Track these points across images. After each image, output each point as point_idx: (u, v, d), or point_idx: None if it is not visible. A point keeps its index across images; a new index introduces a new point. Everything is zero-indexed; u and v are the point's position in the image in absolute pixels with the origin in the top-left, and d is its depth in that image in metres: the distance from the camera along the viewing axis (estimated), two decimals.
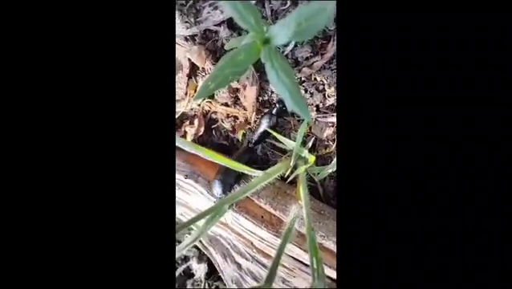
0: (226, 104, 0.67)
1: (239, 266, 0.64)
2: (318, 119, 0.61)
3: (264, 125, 0.64)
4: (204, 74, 0.65)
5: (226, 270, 0.67)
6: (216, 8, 0.61)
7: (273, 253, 0.61)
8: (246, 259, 0.62)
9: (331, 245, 0.57)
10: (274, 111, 0.64)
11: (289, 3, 0.59)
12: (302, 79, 0.60)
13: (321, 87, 0.60)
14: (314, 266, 0.48)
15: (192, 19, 0.62)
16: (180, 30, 0.62)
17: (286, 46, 0.59)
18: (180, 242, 0.75)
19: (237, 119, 0.68)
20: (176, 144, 0.56)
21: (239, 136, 0.70)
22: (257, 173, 0.58)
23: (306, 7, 0.36)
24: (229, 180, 0.61)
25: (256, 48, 0.40)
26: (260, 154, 0.68)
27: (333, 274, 0.55)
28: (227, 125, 0.69)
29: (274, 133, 0.62)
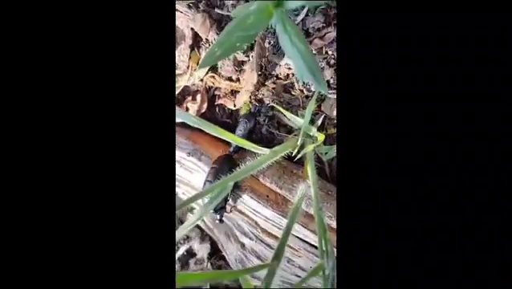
0: (230, 78, 0.64)
1: (243, 245, 0.63)
2: (329, 95, 0.58)
3: (240, 131, 0.62)
4: (208, 45, 0.61)
5: (230, 249, 0.65)
6: None
7: (278, 232, 0.59)
8: (250, 239, 0.61)
9: None
10: (253, 110, 0.61)
11: None
12: (313, 52, 0.57)
13: (332, 62, 0.57)
14: (323, 247, 0.46)
15: None
16: None
17: (297, 15, 0.55)
18: (182, 222, 0.74)
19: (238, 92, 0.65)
20: (180, 118, 0.54)
21: (242, 110, 0.67)
22: (263, 151, 0.56)
23: None
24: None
25: (267, 11, 0.37)
26: (265, 133, 0.66)
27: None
28: (230, 104, 0.66)
29: (282, 110, 0.59)
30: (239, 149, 0.62)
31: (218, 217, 0.63)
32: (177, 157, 0.66)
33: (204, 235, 0.84)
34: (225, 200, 0.61)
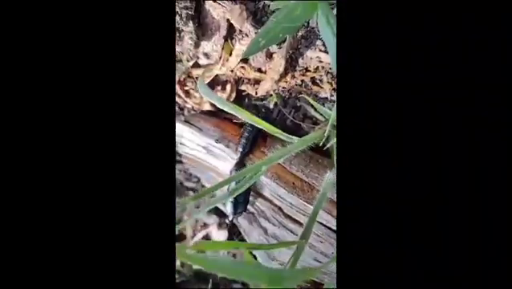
0: (260, 70, 0.67)
1: (265, 230, 0.65)
2: None
3: (246, 135, 0.64)
4: (241, 36, 0.64)
5: (252, 234, 0.68)
6: None
7: (301, 219, 0.62)
8: (273, 224, 0.63)
9: None
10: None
11: None
12: None
13: None
14: None
15: None
16: None
17: (332, 9, 0.58)
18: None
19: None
20: (217, 104, 0.56)
21: (270, 104, 0.69)
22: (292, 140, 0.58)
23: None
24: (240, 200, 0.64)
25: (313, 4, 0.39)
26: (290, 124, 0.68)
27: None
28: (252, 91, 0.68)
29: (311, 100, 0.61)
30: (248, 152, 0.65)
31: (230, 218, 0.66)
32: (205, 144, 0.69)
33: (222, 222, 0.86)
34: (246, 203, 0.65)
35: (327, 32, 0.40)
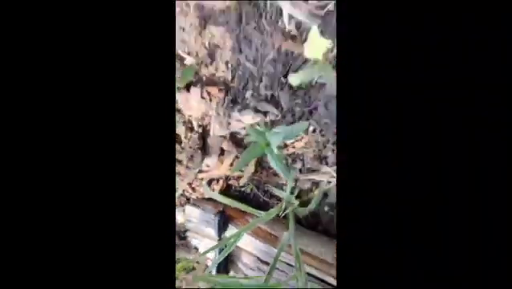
0: (241, 170, 0.85)
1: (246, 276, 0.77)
2: (301, 178, 0.79)
3: (216, 225, 0.82)
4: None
5: None
6: None
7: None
8: (252, 269, 0.77)
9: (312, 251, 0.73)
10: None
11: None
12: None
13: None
14: (297, 266, 0.62)
15: None
16: None
17: None
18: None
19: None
20: (214, 197, 0.81)
21: (248, 190, 0.89)
22: (260, 214, 0.73)
23: (286, 128, 0.63)
24: (223, 263, 0.80)
25: (261, 147, 0.63)
26: (261, 201, 0.85)
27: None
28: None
29: (273, 188, 0.82)
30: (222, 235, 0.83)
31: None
32: (207, 218, 0.87)
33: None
34: (226, 265, 0.80)
35: (273, 161, 0.64)
